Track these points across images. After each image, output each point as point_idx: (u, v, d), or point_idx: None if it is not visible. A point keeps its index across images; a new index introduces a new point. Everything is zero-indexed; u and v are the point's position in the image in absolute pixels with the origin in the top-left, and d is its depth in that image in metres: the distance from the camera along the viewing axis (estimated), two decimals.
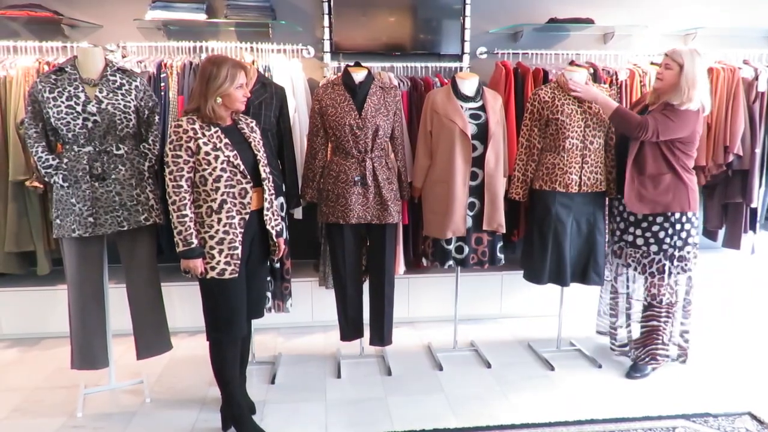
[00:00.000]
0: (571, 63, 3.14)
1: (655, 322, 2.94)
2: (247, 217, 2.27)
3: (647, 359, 2.97)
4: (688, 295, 2.94)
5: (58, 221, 2.50)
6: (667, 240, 2.81)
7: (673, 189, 2.76)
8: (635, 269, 2.95)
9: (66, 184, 2.47)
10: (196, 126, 2.19)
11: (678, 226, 2.80)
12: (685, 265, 2.86)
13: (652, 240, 2.84)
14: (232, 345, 2.36)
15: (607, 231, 3.13)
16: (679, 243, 2.82)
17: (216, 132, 2.21)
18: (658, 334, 2.94)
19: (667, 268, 2.85)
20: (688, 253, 2.85)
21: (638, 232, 2.87)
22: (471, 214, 2.97)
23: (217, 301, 2.27)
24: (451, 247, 3.01)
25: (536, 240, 3.01)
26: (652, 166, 2.76)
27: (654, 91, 2.84)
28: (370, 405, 2.71)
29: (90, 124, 2.43)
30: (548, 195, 2.94)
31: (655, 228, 2.82)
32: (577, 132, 2.88)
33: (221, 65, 2.19)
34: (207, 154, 2.17)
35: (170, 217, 2.20)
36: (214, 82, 2.18)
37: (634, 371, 2.97)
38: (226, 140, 2.22)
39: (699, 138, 2.79)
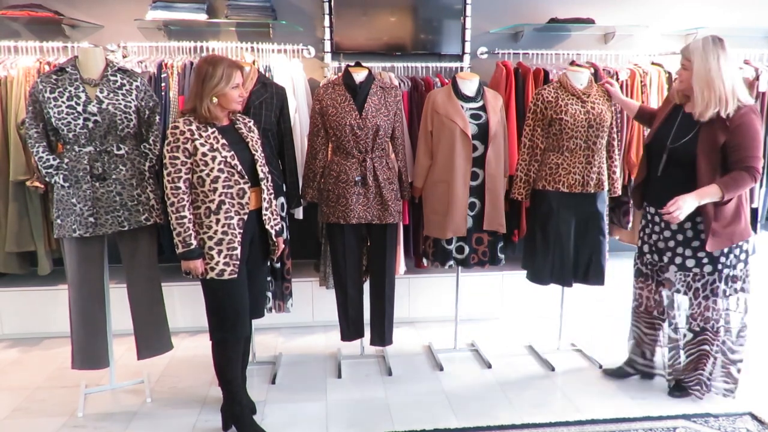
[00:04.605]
0: (572, 63, 3.13)
1: (706, 347, 2.64)
2: (245, 217, 2.27)
3: (692, 383, 2.70)
4: (743, 321, 2.64)
5: (58, 221, 2.50)
6: (722, 259, 2.53)
7: (740, 212, 2.48)
8: (685, 293, 2.63)
9: (67, 184, 2.47)
10: (193, 127, 2.19)
11: (734, 245, 2.53)
12: (740, 285, 2.60)
13: (706, 260, 2.53)
14: (236, 344, 2.36)
15: (607, 234, 3.10)
16: (734, 261, 2.55)
17: (213, 132, 2.21)
18: (708, 360, 2.66)
19: (721, 290, 2.57)
20: (741, 271, 2.59)
21: (688, 252, 2.56)
22: (471, 214, 2.97)
23: (220, 301, 2.28)
24: (452, 247, 3.01)
25: (539, 240, 3.00)
26: None
27: (678, 92, 2.58)
28: (371, 405, 2.71)
29: (91, 124, 2.43)
30: (551, 195, 2.93)
31: None
32: (580, 132, 2.87)
33: (217, 65, 2.19)
34: (204, 155, 2.17)
35: (169, 218, 2.20)
36: (209, 82, 2.17)
37: (676, 391, 2.75)
38: (224, 140, 2.22)
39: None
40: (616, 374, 2.95)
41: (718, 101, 2.35)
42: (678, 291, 2.63)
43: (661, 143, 2.56)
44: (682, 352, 2.71)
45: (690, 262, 2.55)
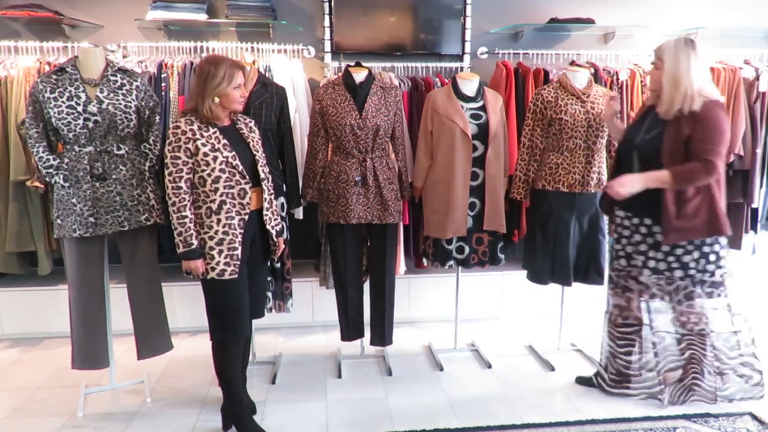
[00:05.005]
0: (572, 63, 3.13)
1: (693, 352, 2.59)
2: (246, 217, 2.27)
3: (683, 393, 2.64)
4: (733, 324, 2.56)
5: (59, 221, 2.50)
6: (693, 264, 2.46)
7: (704, 208, 2.38)
8: (662, 298, 2.58)
9: (67, 184, 2.47)
10: (195, 127, 2.19)
11: (706, 249, 2.45)
12: (722, 290, 2.52)
13: (676, 264, 2.48)
14: (236, 344, 2.36)
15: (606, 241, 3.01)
16: (711, 267, 2.47)
17: (214, 132, 2.22)
18: (698, 364, 2.59)
19: (697, 294, 2.50)
20: (720, 276, 2.49)
21: (659, 255, 2.51)
22: (472, 214, 2.97)
23: (220, 302, 2.28)
24: (452, 247, 3.01)
25: (539, 240, 3.01)
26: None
27: (651, 93, 2.56)
28: (371, 405, 2.71)
29: (91, 124, 2.43)
30: (551, 195, 2.93)
31: (679, 251, 2.47)
32: (580, 132, 2.87)
33: (219, 65, 2.19)
34: (205, 155, 2.17)
35: (170, 218, 2.20)
36: (211, 82, 2.18)
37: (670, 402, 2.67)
38: (225, 141, 2.22)
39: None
40: (587, 383, 2.87)
41: (683, 99, 2.32)
42: (654, 295, 2.58)
43: (630, 143, 2.53)
44: (665, 357, 2.64)
45: (662, 265, 2.51)
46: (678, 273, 2.49)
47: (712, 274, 2.49)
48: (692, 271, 2.48)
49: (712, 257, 2.47)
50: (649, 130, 2.48)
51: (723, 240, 2.49)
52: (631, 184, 2.36)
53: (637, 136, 2.51)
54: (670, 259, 2.48)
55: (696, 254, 2.46)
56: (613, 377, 2.73)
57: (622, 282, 2.67)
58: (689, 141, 2.34)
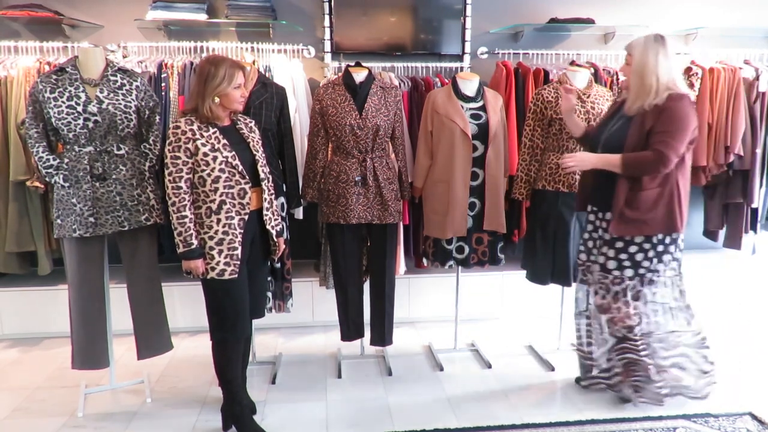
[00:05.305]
0: (572, 63, 3.14)
1: (631, 355, 2.52)
2: (246, 217, 2.27)
3: (633, 392, 2.60)
4: (673, 324, 2.53)
5: (59, 221, 2.50)
6: (645, 263, 2.44)
7: (659, 203, 2.35)
8: (603, 297, 2.54)
9: (67, 184, 2.47)
10: (195, 127, 2.19)
11: (661, 248, 2.44)
12: (669, 292, 2.51)
13: (627, 263, 2.45)
14: (236, 344, 2.36)
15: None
16: (660, 267, 2.45)
17: (214, 132, 2.22)
18: (638, 368, 2.53)
19: (643, 294, 2.49)
20: (672, 278, 2.50)
21: (611, 253, 2.47)
22: (471, 214, 2.97)
23: (220, 301, 2.28)
24: (452, 247, 3.01)
25: (539, 240, 3.01)
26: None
27: (623, 89, 2.57)
28: (371, 405, 2.71)
29: (91, 124, 2.43)
30: (552, 195, 2.93)
31: (633, 249, 2.44)
32: None
33: (219, 65, 2.19)
34: (205, 155, 2.18)
35: (170, 218, 2.20)
36: (212, 82, 2.18)
37: (623, 400, 2.67)
38: (225, 141, 2.22)
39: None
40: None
41: (647, 95, 2.32)
42: (596, 293, 2.58)
43: (596, 138, 2.54)
44: (607, 355, 2.62)
45: (611, 264, 2.48)
46: (628, 272, 2.47)
47: (661, 274, 2.47)
48: (642, 270, 2.46)
49: (666, 258, 2.45)
50: (614, 125, 2.49)
51: (681, 242, 2.48)
52: (582, 160, 2.41)
53: (604, 132, 2.52)
54: (623, 256, 2.46)
55: (651, 253, 2.44)
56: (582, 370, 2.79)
57: (580, 275, 2.71)
58: (650, 133, 2.33)
